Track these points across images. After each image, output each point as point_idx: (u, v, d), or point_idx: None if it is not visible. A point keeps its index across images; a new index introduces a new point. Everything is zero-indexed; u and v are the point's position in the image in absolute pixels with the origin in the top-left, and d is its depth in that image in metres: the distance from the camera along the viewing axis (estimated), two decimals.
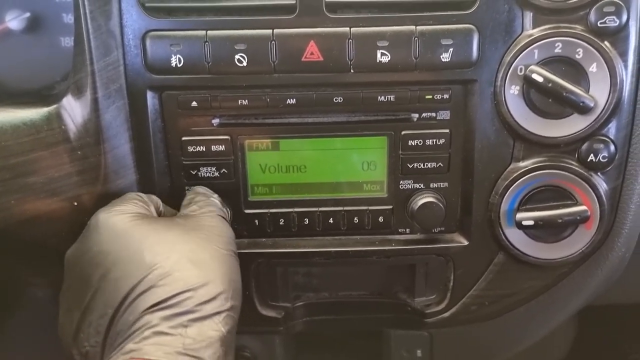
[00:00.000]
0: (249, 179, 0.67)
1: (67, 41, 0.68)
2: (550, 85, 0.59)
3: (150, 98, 0.62)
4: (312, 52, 0.60)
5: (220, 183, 0.66)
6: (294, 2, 0.59)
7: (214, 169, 0.66)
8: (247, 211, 0.68)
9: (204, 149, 0.65)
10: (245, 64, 0.60)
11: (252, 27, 0.60)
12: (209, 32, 0.60)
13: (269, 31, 0.60)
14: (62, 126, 0.60)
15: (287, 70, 0.61)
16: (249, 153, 0.66)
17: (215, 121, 0.64)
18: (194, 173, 0.66)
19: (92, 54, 0.59)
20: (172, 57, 0.60)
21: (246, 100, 0.63)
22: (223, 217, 0.61)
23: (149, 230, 0.54)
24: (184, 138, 0.65)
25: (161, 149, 0.65)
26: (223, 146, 0.65)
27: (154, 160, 0.64)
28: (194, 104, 0.63)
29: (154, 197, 0.63)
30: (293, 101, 0.63)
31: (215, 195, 0.64)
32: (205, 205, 0.61)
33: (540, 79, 0.59)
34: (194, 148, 0.65)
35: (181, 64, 0.60)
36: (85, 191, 0.62)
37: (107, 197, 0.61)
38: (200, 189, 0.65)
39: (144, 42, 0.60)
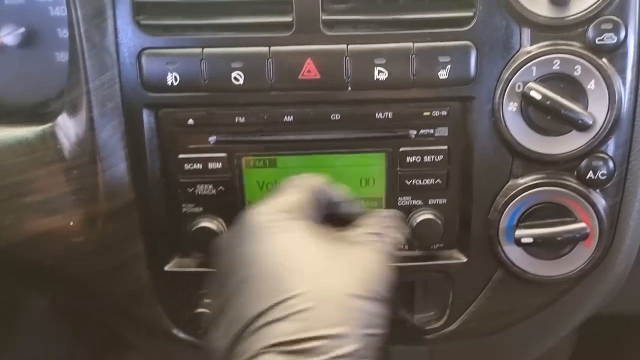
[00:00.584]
0: (247, 197, 0.67)
1: (62, 56, 0.68)
2: (548, 102, 0.59)
3: (147, 116, 0.62)
4: (309, 70, 0.60)
5: (217, 201, 0.66)
6: (291, 19, 0.59)
7: (211, 186, 0.65)
8: None
9: (201, 167, 0.64)
10: (242, 81, 0.60)
11: (249, 45, 0.60)
12: (205, 49, 0.59)
13: (266, 49, 0.59)
14: (57, 145, 0.60)
15: (284, 88, 0.61)
16: (246, 170, 0.66)
17: (212, 139, 0.64)
18: (191, 191, 0.65)
19: (87, 72, 0.59)
20: (168, 74, 0.60)
21: (243, 118, 0.63)
22: (390, 253, 0.52)
23: (305, 246, 0.47)
24: (180, 156, 0.64)
25: (158, 167, 0.64)
26: (220, 164, 0.65)
27: (151, 179, 0.64)
28: (191, 121, 0.63)
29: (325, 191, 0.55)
30: (290, 118, 0.63)
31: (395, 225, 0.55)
32: (377, 234, 0.52)
33: (538, 96, 0.59)
34: (190, 166, 0.64)
35: (177, 81, 0.60)
36: (82, 211, 0.61)
37: (104, 217, 0.61)
38: (392, 213, 0.57)
39: (140, 60, 0.60)
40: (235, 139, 0.64)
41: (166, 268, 0.67)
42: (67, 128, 0.60)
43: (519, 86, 0.61)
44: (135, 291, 0.68)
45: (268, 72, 0.60)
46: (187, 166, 0.64)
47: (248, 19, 0.60)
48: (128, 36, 0.59)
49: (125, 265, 0.66)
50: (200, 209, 0.66)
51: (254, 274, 0.45)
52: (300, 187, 0.54)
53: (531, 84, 0.59)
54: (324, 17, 0.59)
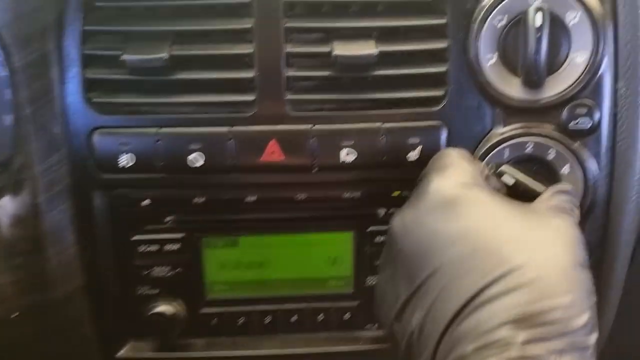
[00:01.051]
0: (206, 277, 0.63)
1: (7, 120, 0.63)
2: (521, 188, 0.56)
3: (98, 198, 0.58)
4: (273, 151, 0.57)
5: (175, 283, 0.62)
6: (253, 97, 0.56)
7: (168, 268, 0.61)
8: (204, 310, 0.64)
9: (157, 249, 0.61)
10: (200, 163, 0.56)
11: (208, 125, 0.56)
12: (161, 129, 0.56)
13: (226, 129, 0.56)
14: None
15: (246, 170, 0.57)
16: (205, 250, 0.62)
17: (169, 219, 0.60)
18: (146, 273, 0.61)
19: (32, 156, 0.55)
20: (121, 155, 0.56)
21: (202, 199, 0.59)
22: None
23: (507, 218, 0.45)
24: (135, 237, 0.60)
25: (110, 250, 0.60)
26: (178, 245, 0.61)
27: (103, 262, 0.60)
28: (146, 202, 0.59)
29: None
30: (253, 199, 0.60)
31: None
32: (559, 204, 0.49)
33: (511, 181, 0.56)
34: (146, 247, 0.60)
35: (131, 162, 0.56)
36: (27, 300, 0.57)
37: (51, 305, 0.57)
38: (570, 188, 0.52)
39: (91, 140, 0.56)
40: (194, 219, 0.60)
41: (119, 354, 0.63)
42: (10, 212, 0.55)
43: (491, 168, 0.58)
44: None
45: (229, 153, 0.56)
46: (142, 248, 0.60)
47: (207, 97, 0.56)
48: (78, 115, 0.55)
49: (75, 351, 0.62)
50: (156, 291, 0.62)
51: (463, 251, 0.43)
52: (465, 157, 0.52)
53: (504, 168, 0.57)
54: (289, 96, 0.56)
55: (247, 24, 0.55)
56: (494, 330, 0.39)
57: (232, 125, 0.56)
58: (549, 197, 0.50)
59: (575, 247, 0.44)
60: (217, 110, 0.56)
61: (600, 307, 0.64)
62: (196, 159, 0.56)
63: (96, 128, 0.56)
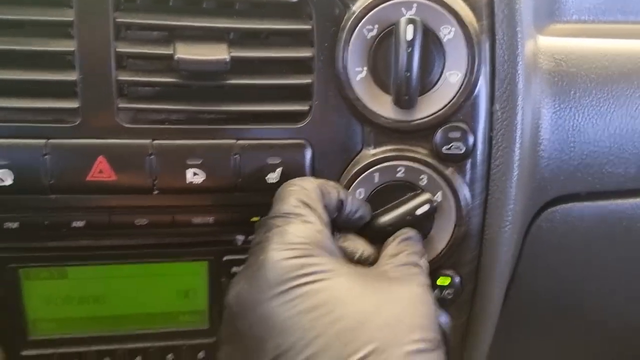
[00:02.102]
0: (28, 314, 0.53)
1: None
2: (390, 228, 0.51)
3: None
4: (101, 170, 0.47)
5: None
6: (76, 105, 0.46)
7: None
8: (25, 353, 0.53)
9: None
10: (9, 182, 0.46)
11: (19, 136, 0.46)
12: None
13: (42, 142, 0.46)
14: None
15: (69, 191, 0.48)
16: (26, 283, 0.52)
17: None
18: None
19: None
20: None
21: (16, 224, 0.49)
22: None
23: (345, 294, 0.40)
24: None
25: None
26: None
27: None
28: None
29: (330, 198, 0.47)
30: (81, 224, 0.50)
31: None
32: (407, 261, 0.46)
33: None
34: None
35: None
36: None
37: None
38: (414, 234, 0.49)
39: None
40: (8, 247, 0.50)
41: None
42: None
43: (360, 193, 0.53)
44: None
45: (45, 171, 0.46)
46: None
47: (19, 102, 0.46)
48: None
49: None
50: None
51: (302, 340, 0.38)
52: (310, 201, 0.45)
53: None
54: (121, 104, 0.47)
55: (68, 15, 0.45)
56: None
57: (50, 138, 0.46)
58: (397, 249, 0.46)
59: (423, 322, 0.41)
60: (32, 118, 0.46)
61: (475, 338, 0.61)
62: (3, 177, 0.46)
63: None
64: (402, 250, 0.46)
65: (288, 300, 0.39)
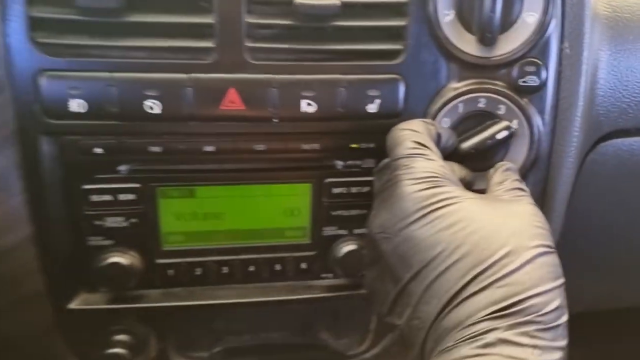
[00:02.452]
0: (162, 228, 0.62)
1: None
2: (473, 152, 0.59)
3: (46, 144, 0.55)
4: (232, 100, 0.56)
5: (129, 233, 0.61)
6: (212, 44, 0.55)
7: (122, 219, 0.60)
8: (160, 261, 0.63)
9: (111, 198, 0.59)
10: (157, 110, 0.55)
11: (165, 71, 0.54)
12: (114, 74, 0.53)
13: (184, 76, 0.54)
14: None
15: (205, 119, 0.56)
16: (161, 201, 0.61)
17: (123, 168, 0.58)
18: (99, 224, 0.60)
19: None
20: (71, 100, 0.53)
21: (158, 147, 0.58)
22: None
23: (474, 213, 0.47)
24: (86, 187, 0.58)
25: (60, 199, 0.58)
26: (132, 195, 0.59)
27: (52, 211, 0.57)
28: (98, 150, 0.57)
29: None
30: (211, 149, 0.59)
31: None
32: (513, 186, 0.53)
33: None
34: (98, 197, 0.59)
35: (82, 108, 0.53)
36: None
37: None
38: (511, 165, 0.56)
39: (37, 83, 0.52)
40: (150, 169, 0.59)
41: (70, 306, 0.62)
42: None
43: (445, 122, 0.61)
44: (35, 330, 0.62)
45: (187, 101, 0.55)
46: (94, 197, 0.58)
47: (164, 41, 0.54)
48: (23, 56, 0.52)
49: (24, 303, 0.60)
50: (110, 242, 0.61)
51: (442, 253, 0.45)
52: (422, 137, 0.53)
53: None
54: (248, 43, 0.55)
55: None
56: (473, 324, 0.43)
57: (190, 73, 0.55)
58: (501, 177, 0.54)
59: (542, 231, 0.48)
60: (174, 56, 0.55)
61: None
62: (152, 107, 0.54)
63: (43, 70, 0.53)
64: (506, 178, 0.54)
65: (427, 222, 0.47)
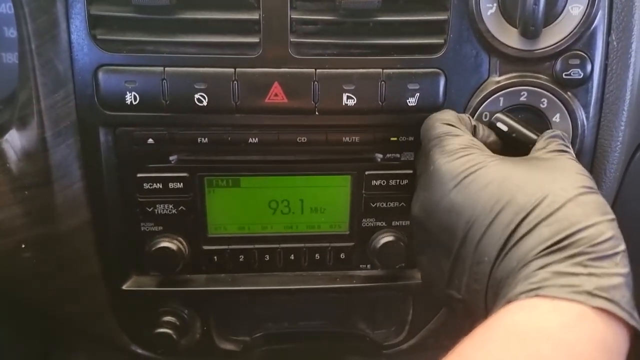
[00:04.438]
0: (208, 216, 0.65)
1: (10, 57, 0.64)
2: (514, 135, 0.59)
3: (104, 135, 0.59)
4: (276, 94, 0.58)
5: (177, 220, 0.64)
6: (258, 40, 0.57)
7: (171, 206, 0.63)
8: (206, 247, 0.66)
9: (161, 186, 0.62)
10: (205, 103, 0.57)
11: (213, 65, 0.57)
12: (166, 68, 0.56)
13: (231, 70, 0.57)
14: (7, 164, 0.56)
15: (250, 111, 0.59)
16: (208, 190, 0.64)
17: (173, 158, 0.61)
18: (150, 210, 0.63)
19: (38, 90, 0.55)
20: (127, 93, 0.57)
21: (206, 139, 0.61)
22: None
23: (509, 170, 0.48)
24: (139, 175, 0.62)
25: (115, 187, 0.62)
26: (181, 183, 0.63)
27: (108, 198, 0.61)
28: (151, 140, 0.60)
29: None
30: (255, 140, 0.61)
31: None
32: (556, 148, 0.53)
33: (505, 128, 0.59)
34: (150, 185, 0.62)
35: (137, 101, 0.57)
36: (35, 233, 0.58)
37: (58, 238, 0.58)
38: (559, 132, 0.55)
39: (97, 78, 0.56)
40: (198, 159, 0.62)
41: (124, 287, 0.66)
42: (18, 146, 0.57)
43: (485, 115, 0.61)
44: (90, 309, 0.67)
45: (233, 94, 0.57)
46: (146, 185, 0.62)
47: (213, 37, 0.57)
48: (84, 52, 0.56)
49: (81, 285, 0.64)
50: (160, 228, 0.64)
51: (482, 211, 0.46)
52: (452, 120, 0.54)
53: (498, 115, 0.59)
54: (292, 39, 0.57)
55: None
56: (525, 266, 0.42)
57: (237, 67, 0.57)
58: (545, 143, 0.53)
59: (582, 176, 0.47)
60: (221, 51, 0.57)
61: None
62: (200, 100, 0.57)
63: (101, 65, 0.56)
64: (550, 143, 0.54)
65: (462, 188, 0.48)
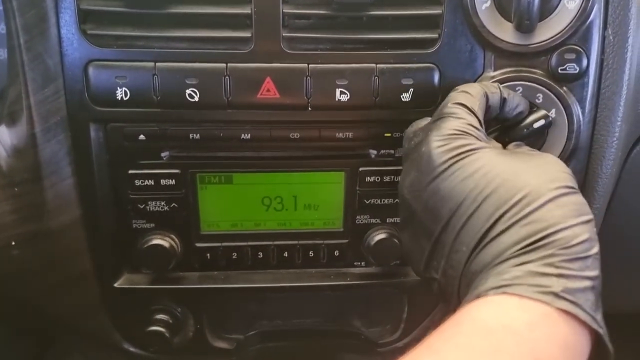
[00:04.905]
0: (201, 213, 0.65)
1: (1, 54, 0.63)
2: (507, 140, 0.58)
3: (94, 131, 0.58)
4: (269, 89, 0.57)
5: (169, 217, 0.63)
6: (250, 34, 0.56)
7: (163, 203, 0.63)
8: (198, 245, 0.66)
9: (153, 183, 0.62)
10: (196, 98, 0.57)
11: (205, 60, 0.56)
12: (157, 63, 0.56)
13: (223, 65, 0.56)
14: None
15: (242, 107, 0.58)
16: (200, 186, 0.63)
17: (165, 154, 0.61)
18: (141, 207, 0.63)
19: (27, 86, 0.55)
20: (117, 89, 0.56)
21: (198, 135, 0.60)
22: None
23: (495, 160, 0.48)
24: (130, 171, 0.61)
25: (106, 183, 0.61)
26: (173, 180, 0.62)
27: (99, 195, 0.61)
28: (142, 137, 0.60)
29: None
30: (248, 136, 0.61)
31: None
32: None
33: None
34: (141, 182, 0.62)
35: (127, 96, 0.56)
36: (25, 230, 0.58)
37: (48, 235, 0.58)
38: None
39: (87, 73, 0.56)
40: (190, 155, 0.61)
41: (116, 284, 0.65)
42: (7, 142, 0.56)
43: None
44: (82, 307, 0.66)
45: (225, 90, 0.57)
46: (137, 182, 0.61)
47: (204, 32, 0.56)
48: (73, 46, 0.55)
49: (72, 282, 0.64)
50: (152, 225, 0.64)
51: (465, 202, 0.46)
52: (463, 103, 0.53)
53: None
54: (285, 33, 0.57)
55: None
56: (500, 263, 0.43)
57: (229, 62, 0.56)
58: None
59: (565, 174, 0.47)
60: (213, 46, 0.57)
61: None
62: (192, 95, 0.57)
63: (91, 61, 0.56)
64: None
65: (450, 174, 0.48)
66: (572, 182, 0.47)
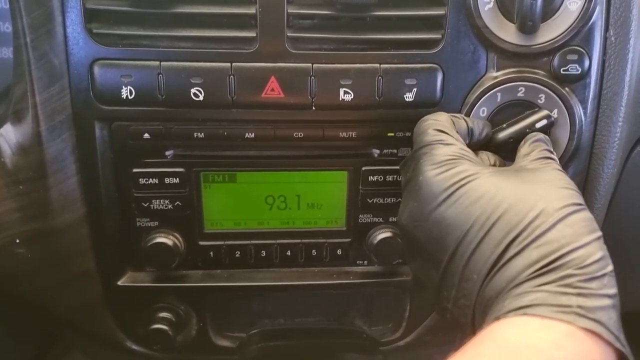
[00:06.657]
0: (204, 211, 0.65)
1: (5, 52, 0.63)
2: (511, 141, 0.58)
3: (99, 129, 0.59)
4: (273, 89, 0.58)
5: (173, 216, 0.64)
6: (254, 34, 0.57)
7: (167, 201, 0.63)
8: (202, 243, 0.66)
9: (157, 182, 0.62)
10: (201, 98, 0.57)
11: (210, 60, 0.57)
12: (162, 63, 0.56)
13: (228, 65, 0.57)
14: (1, 159, 0.56)
15: (246, 106, 0.58)
16: (204, 185, 0.64)
17: (169, 153, 0.61)
18: (146, 205, 0.63)
19: (33, 85, 0.55)
20: (122, 88, 0.56)
21: (202, 133, 0.60)
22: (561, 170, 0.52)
23: (499, 184, 0.47)
24: (135, 170, 0.61)
25: (111, 182, 0.61)
26: (177, 179, 0.62)
27: (103, 193, 0.61)
28: (146, 135, 0.60)
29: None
30: (252, 135, 0.61)
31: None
32: (541, 155, 0.53)
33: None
34: (146, 180, 0.62)
35: (132, 95, 0.56)
36: (29, 228, 0.58)
37: (53, 233, 0.58)
38: (542, 136, 0.56)
39: (92, 72, 0.56)
40: (194, 154, 0.62)
41: (119, 282, 0.65)
42: (12, 140, 0.56)
43: (483, 111, 0.61)
44: (85, 305, 0.66)
45: (230, 89, 0.57)
46: (142, 180, 0.62)
47: (209, 32, 0.57)
48: (79, 45, 0.55)
49: (76, 280, 0.64)
50: (156, 223, 0.64)
51: (472, 229, 0.46)
52: (444, 125, 0.54)
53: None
54: (289, 33, 0.57)
55: None
56: (515, 287, 0.42)
57: (233, 61, 0.57)
58: (529, 148, 0.54)
59: (570, 191, 0.47)
60: (218, 45, 0.57)
61: None
62: (197, 94, 0.57)
63: (97, 60, 0.56)
64: (534, 149, 0.54)
65: (454, 201, 0.47)
66: (578, 199, 0.47)
